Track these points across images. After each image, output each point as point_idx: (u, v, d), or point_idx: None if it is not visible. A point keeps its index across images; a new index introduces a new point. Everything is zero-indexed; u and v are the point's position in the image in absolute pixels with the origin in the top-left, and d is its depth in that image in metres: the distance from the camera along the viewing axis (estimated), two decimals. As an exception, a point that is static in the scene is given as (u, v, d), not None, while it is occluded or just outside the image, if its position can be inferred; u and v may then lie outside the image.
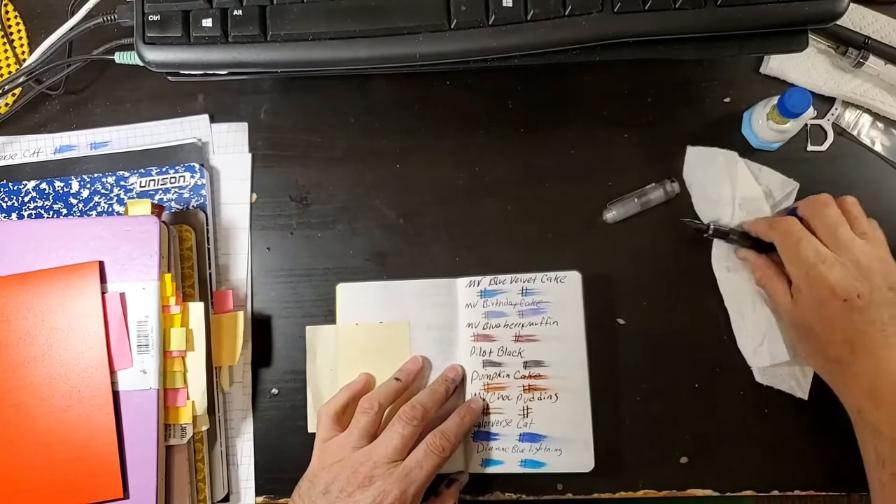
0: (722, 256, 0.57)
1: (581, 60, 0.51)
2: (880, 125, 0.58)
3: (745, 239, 0.55)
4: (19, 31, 0.62)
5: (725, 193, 0.56)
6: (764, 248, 0.55)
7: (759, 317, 0.55)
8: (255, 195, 0.59)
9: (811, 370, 0.55)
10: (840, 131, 0.58)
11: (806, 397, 0.55)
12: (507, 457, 0.54)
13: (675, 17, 0.49)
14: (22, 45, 0.62)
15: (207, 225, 0.57)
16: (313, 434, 0.52)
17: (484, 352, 0.55)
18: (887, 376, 0.47)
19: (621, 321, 0.57)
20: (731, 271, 0.56)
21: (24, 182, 0.59)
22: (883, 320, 0.48)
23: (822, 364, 0.52)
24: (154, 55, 0.50)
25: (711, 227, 0.55)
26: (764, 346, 0.55)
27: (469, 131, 0.59)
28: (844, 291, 0.48)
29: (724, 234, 0.55)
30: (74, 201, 0.59)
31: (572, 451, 0.52)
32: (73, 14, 0.57)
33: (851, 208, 0.52)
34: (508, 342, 0.55)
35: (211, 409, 0.54)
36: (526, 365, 0.54)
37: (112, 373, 0.50)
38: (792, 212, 0.54)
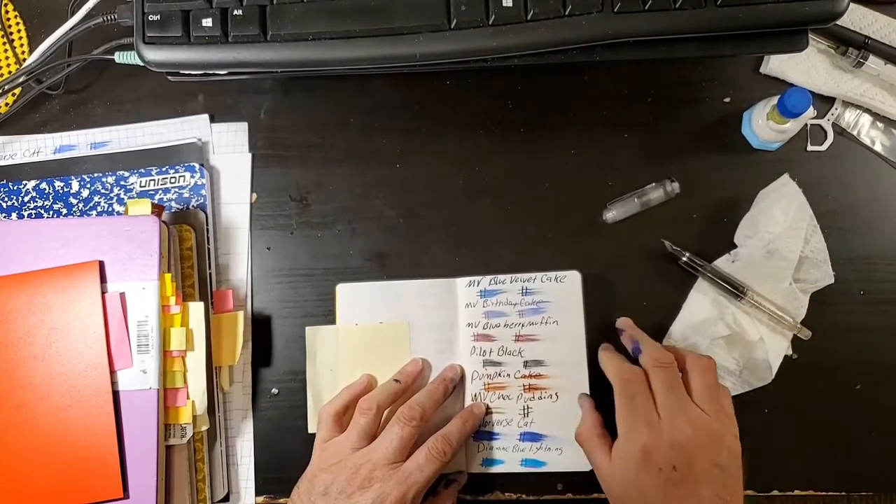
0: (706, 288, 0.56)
1: (581, 60, 0.51)
2: (880, 125, 0.58)
3: (715, 276, 0.55)
4: (19, 31, 0.62)
5: (770, 231, 0.54)
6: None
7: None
8: (255, 195, 0.59)
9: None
10: (840, 131, 0.58)
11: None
12: (507, 456, 0.54)
13: (675, 17, 0.49)
14: (22, 45, 0.62)
15: (207, 225, 0.57)
16: (313, 434, 0.52)
17: (484, 351, 0.55)
18: None
19: (621, 321, 0.57)
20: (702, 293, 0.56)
21: (24, 182, 0.59)
22: (701, 497, 0.44)
23: None
24: (154, 55, 0.50)
25: (685, 256, 0.55)
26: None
27: (469, 131, 0.59)
28: (660, 460, 0.45)
29: (695, 266, 0.55)
30: (74, 201, 0.59)
31: (573, 451, 0.52)
32: (73, 14, 0.57)
33: (700, 377, 0.48)
34: (508, 342, 0.55)
35: (211, 409, 0.54)
36: (526, 364, 0.54)
37: (112, 372, 0.50)
38: (636, 347, 0.52)
